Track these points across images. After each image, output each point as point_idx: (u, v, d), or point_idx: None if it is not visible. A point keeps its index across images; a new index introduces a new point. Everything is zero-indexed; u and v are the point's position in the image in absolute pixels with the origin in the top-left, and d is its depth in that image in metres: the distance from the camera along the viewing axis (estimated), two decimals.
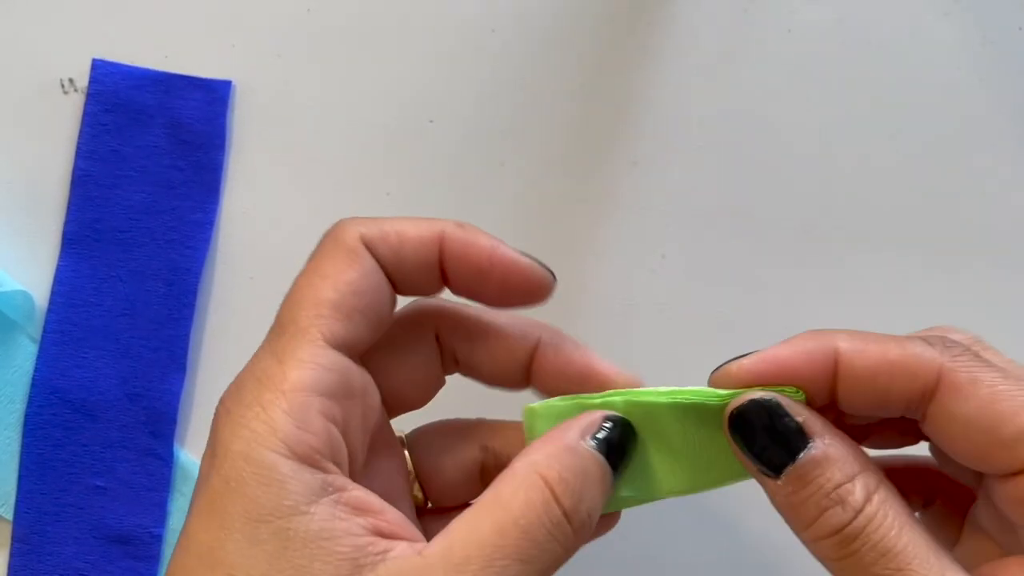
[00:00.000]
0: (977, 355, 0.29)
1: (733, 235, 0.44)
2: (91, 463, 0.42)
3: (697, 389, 0.30)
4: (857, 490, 0.28)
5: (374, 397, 0.31)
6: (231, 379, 0.43)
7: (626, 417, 0.30)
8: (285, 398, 0.27)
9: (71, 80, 0.44)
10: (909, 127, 0.44)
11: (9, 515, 0.42)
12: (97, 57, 0.44)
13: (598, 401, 0.31)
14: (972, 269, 0.44)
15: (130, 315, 0.43)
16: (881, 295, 0.44)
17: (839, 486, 0.28)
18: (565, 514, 0.28)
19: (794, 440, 0.28)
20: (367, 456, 0.31)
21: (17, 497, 0.42)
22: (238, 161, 0.44)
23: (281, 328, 0.29)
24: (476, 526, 0.27)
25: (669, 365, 0.42)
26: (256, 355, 0.29)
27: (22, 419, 0.42)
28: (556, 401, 0.31)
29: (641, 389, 0.31)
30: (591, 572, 0.42)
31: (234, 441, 0.27)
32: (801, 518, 0.28)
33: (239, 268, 0.44)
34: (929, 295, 0.44)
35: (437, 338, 0.33)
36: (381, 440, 0.32)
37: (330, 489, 0.27)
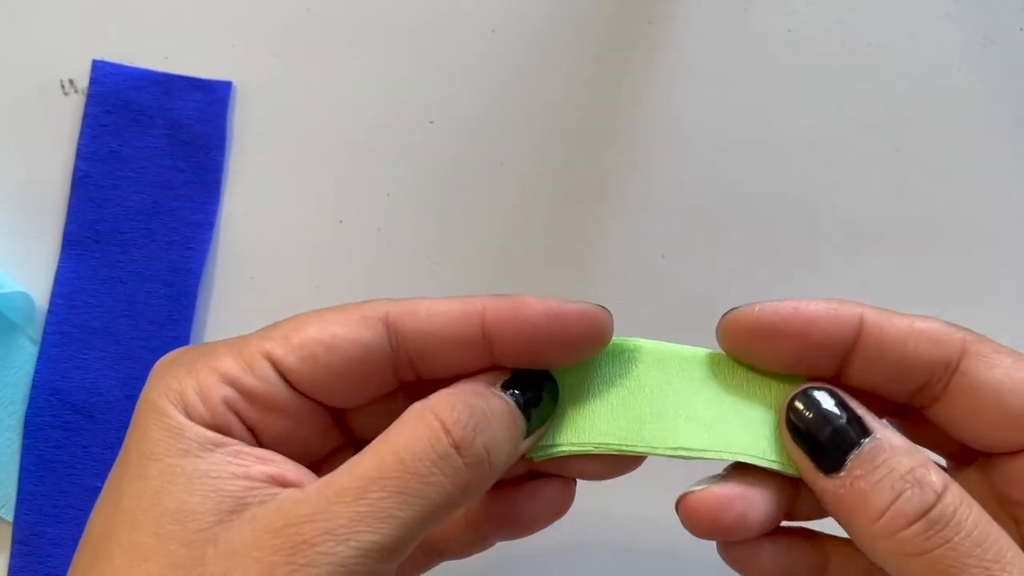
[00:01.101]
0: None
1: (733, 235, 0.44)
2: (91, 464, 0.42)
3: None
4: (933, 474, 0.27)
5: (317, 432, 0.30)
6: None
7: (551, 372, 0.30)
8: (203, 375, 0.28)
9: (71, 81, 0.44)
10: (909, 127, 0.44)
11: (9, 517, 0.42)
12: (97, 58, 0.44)
13: None
14: (972, 269, 0.44)
15: (130, 316, 0.43)
16: (881, 294, 0.44)
17: (912, 469, 0.27)
18: (455, 445, 0.26)
19: (856, 430, 0.28)
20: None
21: (17, 499, 0.42)
22: (238, 161, 0.44)
23: (263, 329, 0.30)
24: (358, 461, 0.26)
25: None
26: (236, 336, 0.30)
27: (22, 420, 0.42)
28: None
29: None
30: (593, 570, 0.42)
31: (151, 390, 0.28)
32: (871, 507, 0.27)
33: (239, 268, 0.44)
34: (929, 295, 0.44)
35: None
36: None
37: (228, 443, 0.27)
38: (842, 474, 0.27)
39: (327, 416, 0.30)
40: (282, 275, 0.44)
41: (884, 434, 0.28)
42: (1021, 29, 0.45)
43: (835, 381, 0.30)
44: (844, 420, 0.28)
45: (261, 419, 0.29)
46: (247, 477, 0.27)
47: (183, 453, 0.27)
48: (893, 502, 0.26)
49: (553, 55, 0.45)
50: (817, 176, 0.44)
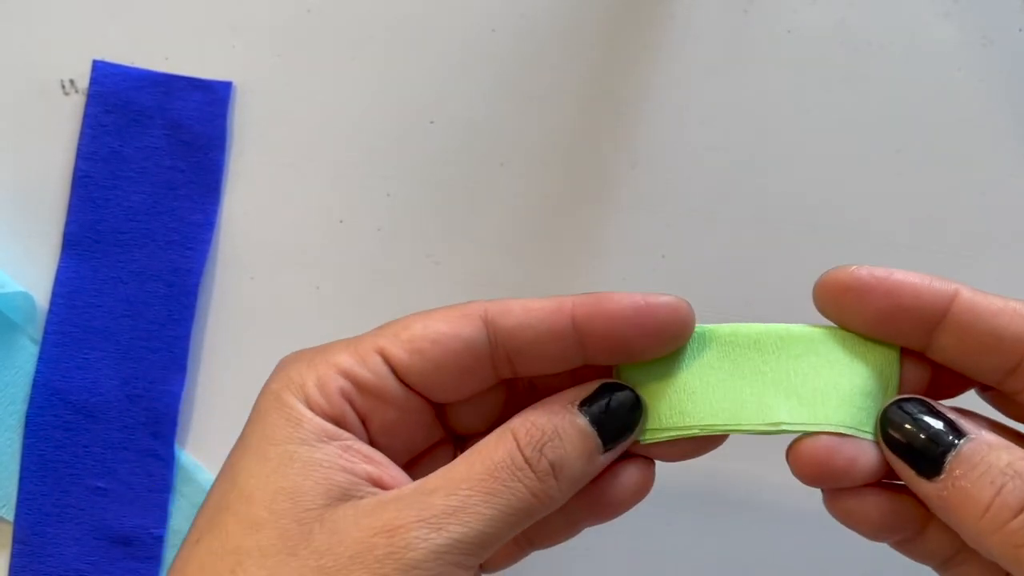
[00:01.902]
0: None
1: (733, 235, 0.44)
2: (92, 464, 0.42)
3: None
4: None
5: (422, 424, 0.32)
6: (231, 379, 0.43)
7: (627, 383, 0.31)
8: (322, 368, 0.31)
9: (71, 81, 0.44)
10: (909, 127, 0.44)
11: (10, 516, 0.42)
12: (97, 58, 0.44)
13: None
14: (972, 269, 0.44)
15: (131, 316, 0.43)
16: None
17: (1011, 463, 0.27)
18: (527, 461, 0.29)
19: (951, 433, 0.29)
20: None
21: (18, 498, 0.42)
22: (238, 161, 0.44)
23: (374, 329, 0.32)
24: (449, 467, 0.30)
25: None
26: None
27: (23, 420, 0.42)
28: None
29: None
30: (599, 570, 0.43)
31: (274, 381, 0.31)
32: (974, 504, 0.27)
33: (239, 268, 0.44)
34: None
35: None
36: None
37: (342, 437, 0.30)
38: (943, 476, 0.28)
39: (431, 411, 0.33)
40: (282, 275, 0.44)
41: (979, 434, 0.28)
42: (1021, 29, 0.45)
43: (925, 356, 0.31)
44: (937, 425, 0.29)
45: (372, 409, 0.31)
46: (352, 472, 0.29)
47: (301, 441, 0.29)
48: (996, 496, 0.27)
49: (553, 55, 0.45)
50: (817, 176, 0.44)
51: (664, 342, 0.31)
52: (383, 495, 0.29)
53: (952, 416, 0.29)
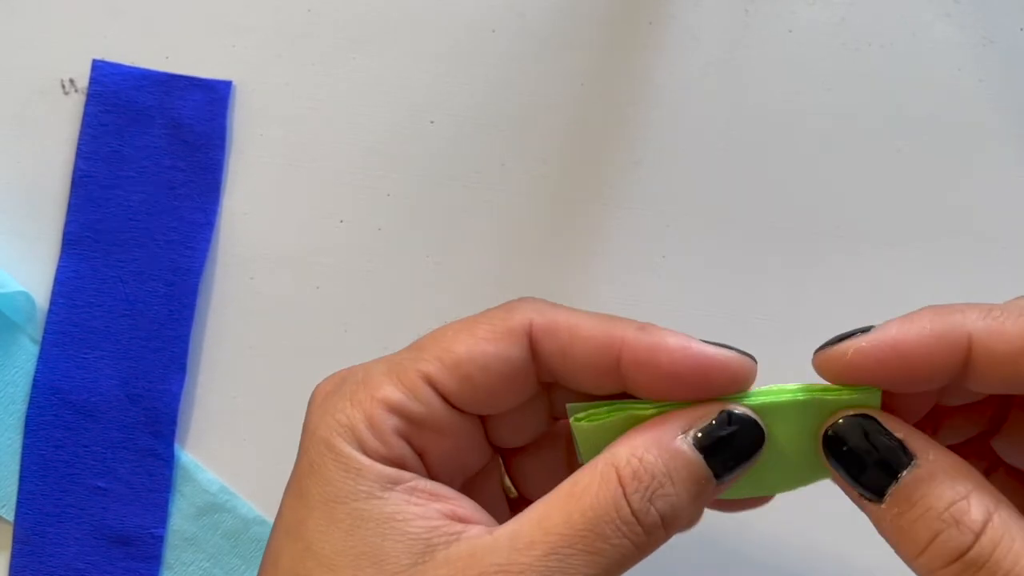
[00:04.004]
0: None
1: (733, 235, 0.44)
2: (92, 464, 0.42)
3: (784, 387, 0.29)
4: (973, 509, 0.26)
5: (473, 444, 0.31)
6: (231, 379, 0.43)
7: (754, 415, 0.28)
8: (366, 407, 0.29)
9: (71, 80, 0.44)
10: (909, 127, 0.44)
11: (10, 516, 0.42)
12: (97, 58, 0.44)
13: (650, 411, 0.29)
14: (973, 269, 0.44)
15: (131, 316, 0.43)
16: (882, 294, 0.44)
17: (951, 504, 0.26)
18: (633, 513, 0.27)
19: (896, 459, 0.27)
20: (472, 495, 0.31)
21: (18, 498, 0.42)
22: (238, 161, 0.44)
23: (412, 348, 0.30)
24: (547, 514, 0.27)
25: None
26: (385, 356, 0.31)
27: (23, 420, 0.42)
28: (602, 410, 0.29)
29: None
30: None
31: (320, 427, 0.29)
32: (912, 543, 0.26)
33: (239, 268, 0.44)
34: (930, 295, 0.44)
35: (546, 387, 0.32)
36: (486, 491, 0.33)
37: (404, 479, 0.28)
38: (883, 505, 0.27)
39: (480, 427, 0.31)
40: (282, 275, 0.44)
41: (926, 461, 0.27)
42: (1021, 29, 0.45)
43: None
44: (883, 449, 0.27)
45: (428, 442, 0.30)
46: (426, 517, 0.28)
47: (367, 496, 0.28)
48: (931, 542, 0.26)
49: (553, 55, 0.45)
50: (817, 176, 0.44)
51: (714, 394, 0.29)
52: (472, 543, 0.27)
53: (901, 435, 0.27)
